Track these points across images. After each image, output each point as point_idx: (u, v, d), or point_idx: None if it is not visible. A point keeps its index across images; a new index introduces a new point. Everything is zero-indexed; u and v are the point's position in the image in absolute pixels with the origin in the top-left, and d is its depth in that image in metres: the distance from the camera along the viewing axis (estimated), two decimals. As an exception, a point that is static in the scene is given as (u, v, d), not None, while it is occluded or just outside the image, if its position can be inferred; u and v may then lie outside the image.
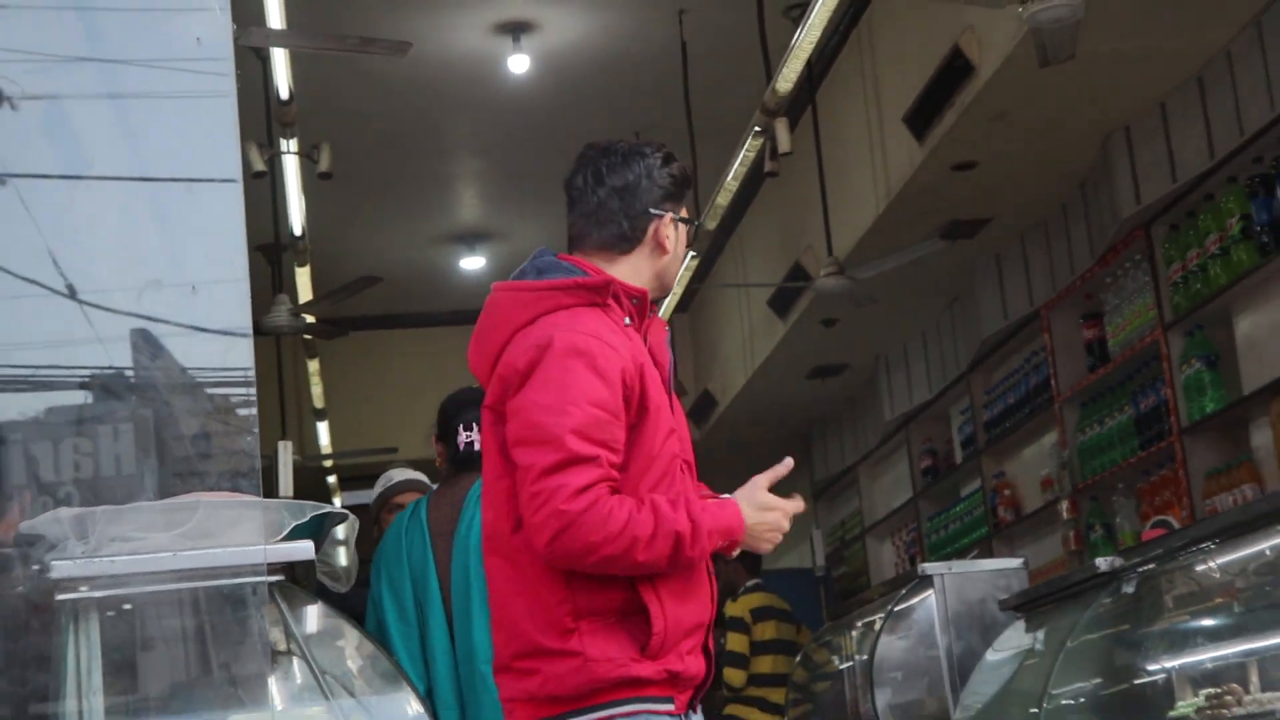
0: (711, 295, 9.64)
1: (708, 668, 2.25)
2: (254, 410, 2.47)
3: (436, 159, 8.13)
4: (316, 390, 8.67)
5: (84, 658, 2.52)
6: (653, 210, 2.24)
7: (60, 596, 2.45)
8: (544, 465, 2.14)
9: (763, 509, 2.24)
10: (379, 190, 8.24)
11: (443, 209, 9.01)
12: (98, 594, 2.47)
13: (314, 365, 8.30)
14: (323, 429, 9.22)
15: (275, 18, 4.66)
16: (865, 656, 5.13)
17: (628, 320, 2.26)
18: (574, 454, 2.13)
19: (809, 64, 5.60)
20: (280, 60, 5.02)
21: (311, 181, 6.15)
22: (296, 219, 6.40)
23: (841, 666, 5.67)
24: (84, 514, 2.44)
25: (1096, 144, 5.71)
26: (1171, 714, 3.71)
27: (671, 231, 2.25)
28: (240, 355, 2.36)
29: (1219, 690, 3.50)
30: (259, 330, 7.33)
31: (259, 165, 5.42)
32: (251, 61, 5.35)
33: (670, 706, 2.18)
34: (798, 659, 6.07)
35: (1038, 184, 6.16)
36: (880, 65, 6.29)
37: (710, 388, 9.65)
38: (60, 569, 2.43)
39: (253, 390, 2.42)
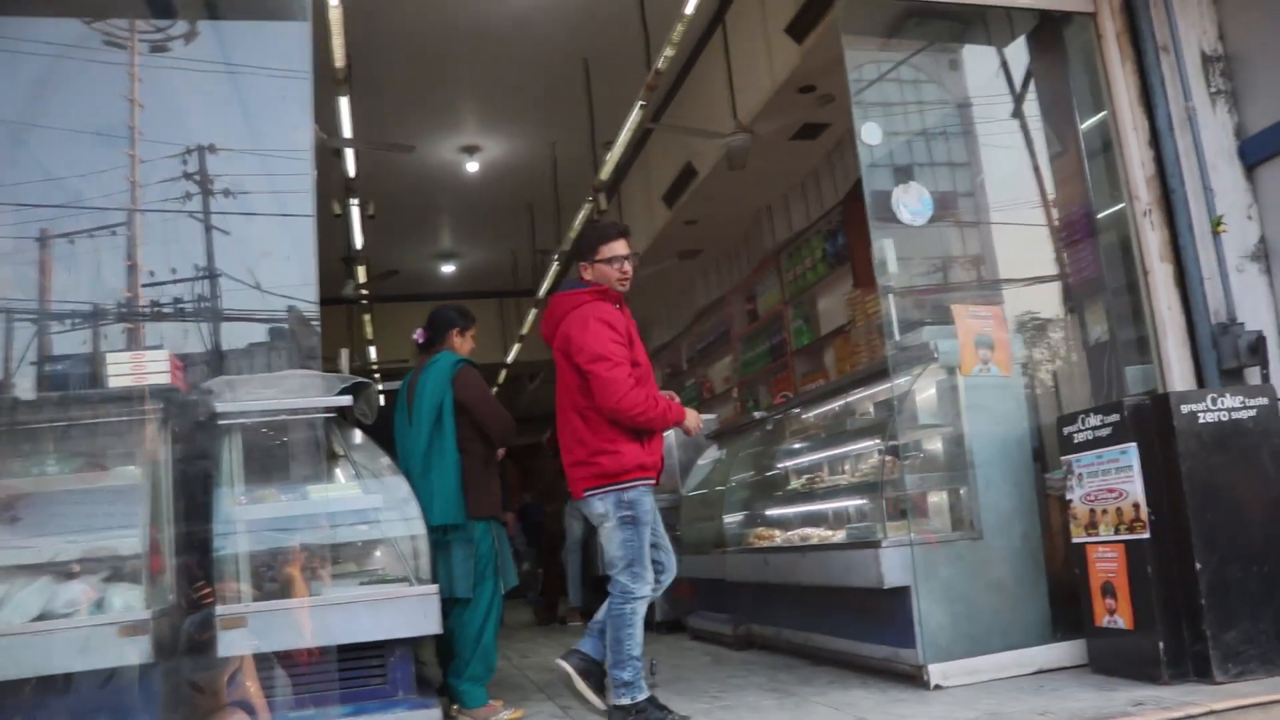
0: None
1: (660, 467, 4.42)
2: (318, 334, 4.92)
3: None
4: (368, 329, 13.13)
5: (232, 455, 4.67)
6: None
7: (221, 421, 4.63)
8: (605, 368, 4.23)
9: (693, 414, 4.58)
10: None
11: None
12: (239, 421, 4.62)
13: (368, 318, 12.84)
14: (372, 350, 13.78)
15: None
16: None
17: (618, 305, 4.47)
18: (617, 360, 4.26)
19: (615, 167, 10.18)
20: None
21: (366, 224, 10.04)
22: (359, 242, 10.22)
23: None
24: (234, 379, 4.80)
25: (753, 213, 10.45)
26: (788, 488, 6.89)
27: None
28: (309, 305, 5.47)
29: (811, 475, 6.73)
30: (338, 300, 11.47)
31: (337, 210, 9.00)
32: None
33: (651, 481, 4.42)
34: None
35: (726, 234, 10.91)
36: (652, 168, 10.88)
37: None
38: (220, 407, 4.66)
39: (318, 323, 4.96)
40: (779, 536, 6.44)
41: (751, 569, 6.52)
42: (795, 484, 6.75)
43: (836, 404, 6.61)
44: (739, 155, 7.87)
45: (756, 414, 7.42)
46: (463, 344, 5.28)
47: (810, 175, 9.38)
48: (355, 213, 9.37)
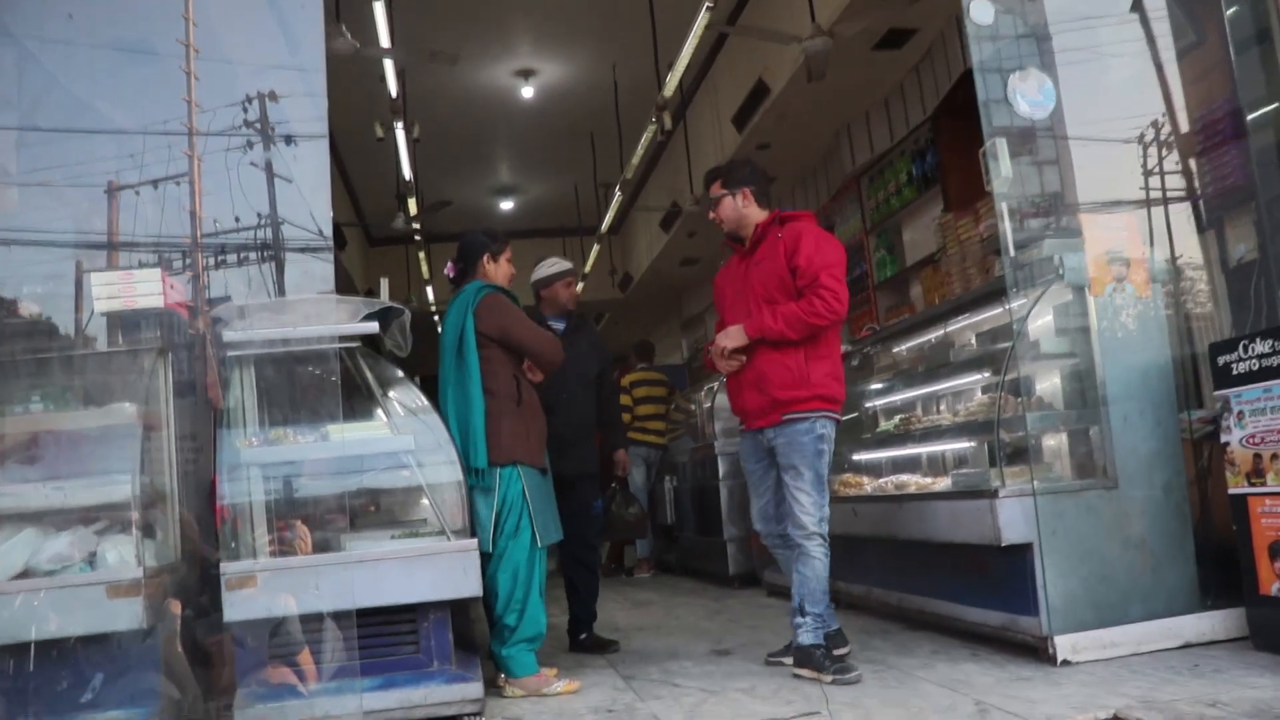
0: (630, 224, 13.88)
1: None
2: (331, 264, 4.52)
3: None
4: (424, 267, 12.59)
5: (243, 391, 4.06)
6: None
7: (230, 353, 3.99)
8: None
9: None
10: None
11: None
12: (250, 352, 4.00)
13: (423, 256, 12.34)
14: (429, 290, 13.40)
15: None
16: (709, 404, 8.14)
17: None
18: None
19: (680, 88, 9.39)
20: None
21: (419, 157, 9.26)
22: (408, 171, 9.44)
23: (696, 409, 8.72)
24: (245, 305, 4.17)
25: (831, 133, 9.50)
26: (877, 431, 6.05)
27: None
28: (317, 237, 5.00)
29: (905, 416, 5.84)
30: (392, 239, 10.99)
31: (379, 133, 8.13)
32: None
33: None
34: (672, 405, 9.21)
35: (801, 158, 10.00)
36: (720, 90, 10.00)
37: (629, 270, 14.11)
38: (228, 336, 4.02)
39: (331, 254, 4.57)
40: (868, 484, 5.67)
41: (837, 520, 5.71)
42: (886, 425, 5.96)
43: (932, 335, 5.79)
44: (819, 62, 7.00)
45: (845, 345, 6.59)
46: (496, 270, 4.59)
47: (895, 90, 8.47)
48: (401, 137, 8.56)
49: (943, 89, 7.73)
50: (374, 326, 4.16)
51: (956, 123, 7.94)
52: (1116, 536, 4.21)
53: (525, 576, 4.25)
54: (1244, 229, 5.34)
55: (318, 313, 4.21)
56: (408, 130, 8.21)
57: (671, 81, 7.85)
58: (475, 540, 3.98)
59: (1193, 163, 5.74)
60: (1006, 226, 4.40)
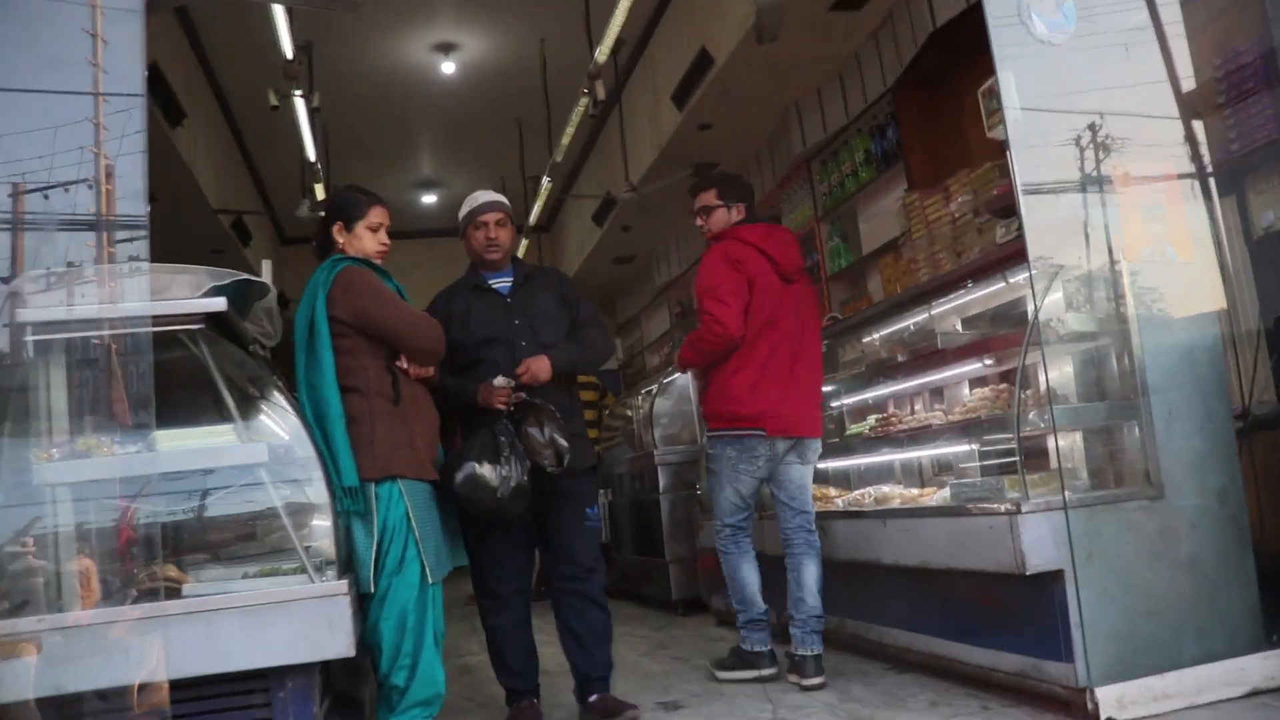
0: (562, 220, 12.96)
1: None
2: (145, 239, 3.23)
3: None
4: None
5: (41, 387, 3.06)
6: None
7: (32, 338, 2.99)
8: None
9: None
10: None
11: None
12: (50, 336, 3.01)
13: None
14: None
15: None
16: (647, 409, 7.38)
17: None
18: None
19: (615, 63, 8.43)
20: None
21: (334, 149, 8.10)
22: (311, 151, 8.25)
23: (633, 415, 7.85)
24: (48, 274, 3.13)
25: (779, 111, 8.42)
26: (846, 434, 5.12)
27: None
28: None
29: (884, 417, 4.88)
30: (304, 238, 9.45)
31: (273, 101, 6.90)
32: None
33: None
34: (605, 411, 8.36)
35: (746, 140, 8.93)
36: (658, 64, 8.92)
37: (560, 270, 12.88)
38: (22, 315, 3.01)
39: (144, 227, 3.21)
40: (838, 497, 4.75)
41: (802, 540, 4.82)
42: (857, 428, 5.04)
43: (910, 321, 4.89)
44: (770, 18, 6.06)
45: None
46: (350, 242, 3.55)
47: (850, 61, 7.58)
48: (300, 107, 7.34)
49: (906, 56, 6.85)
50: (219, 303, 3.13)
51: (920, 93, 7.09)
52: (1165, 558, 3.33)
53: (415, 624, 3.24)
54: (1274, 194, 4.51)
55: (143, 287, 3.17)
56: (307, 98, 7.10)
57: (604, 45, 6.90)
58: (344, 582, 2.97)
59: (1198, 125, 4.92)
60: (1016, 177, 3.49)
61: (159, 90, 7.03)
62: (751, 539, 4.35)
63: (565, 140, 8.48)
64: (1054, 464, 3.42)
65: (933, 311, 4.61)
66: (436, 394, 3.63)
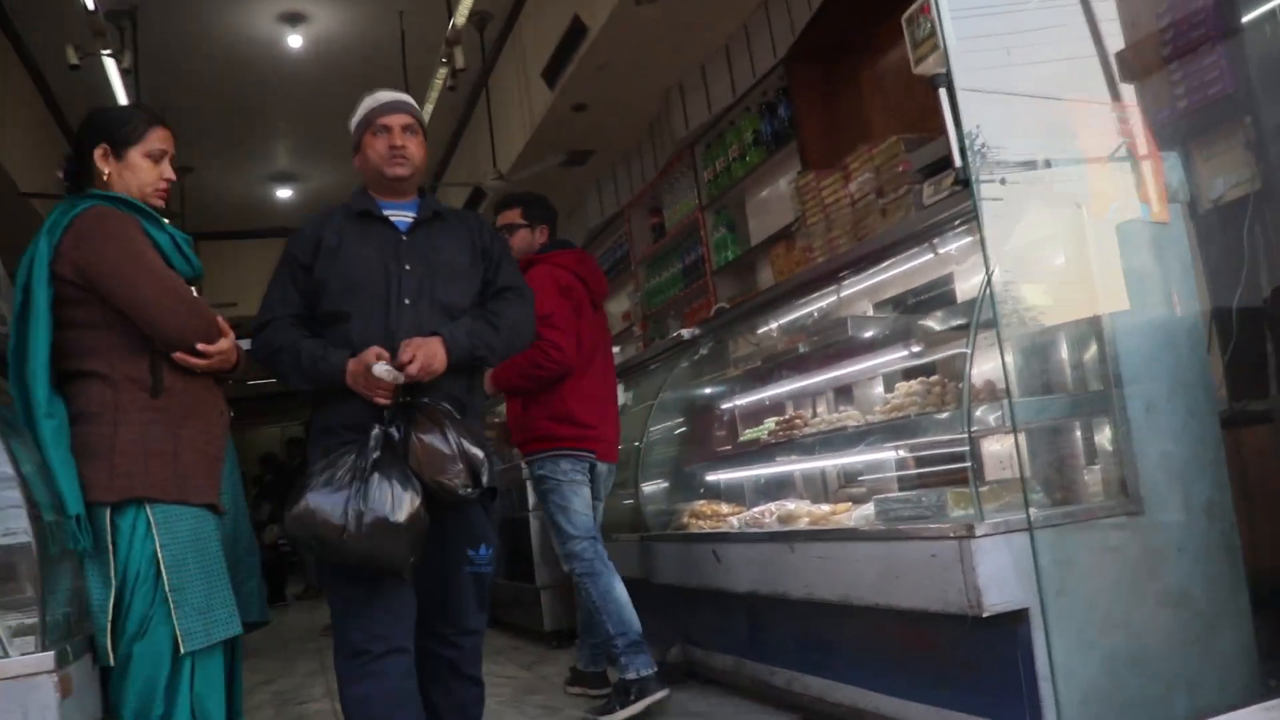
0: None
1: None
2: None
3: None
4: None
5: None
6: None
7: None
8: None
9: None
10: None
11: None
12: None
13: None
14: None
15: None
16: None
17: None
18: None
19: (482, 42, 7.58)
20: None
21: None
22: None
23: (498, 422, 6.06)
24: None
25: (660, 93, 7.58)
26: (740, 440, 4.29)
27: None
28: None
29: (786, 420, 3.96)
30: None
31: (73, 59, 5.87)
32: None
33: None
34: None
35: (625, 126, 8.06)
36: (527, 39, 8.03)
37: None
38: None
39: None
40: (732, 515, 3.98)
41: (689, 567, 4.04)
42: (753, 433, 4.28)
43: (813, 308, 4.16)
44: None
45: (684, 333, 4.90)
46: (122, 172, 2.58)
47: (738, 34, 6.85)
48: (111, 66, 6.26)
49: (799, 24, 6.15)
50: None
51: (814, 65, 6.41)
52: (1149, 589, 2.62)
53: (163, 709, 2.31)
54: (1224, 159, 3.89)
55: None
56: (116, 57, 6.00)
57: (464, 6, 6.03)
58: (47, 656, 2.05)
59: (1127, 88, 4.30)
60: (949, 115, 2.75)
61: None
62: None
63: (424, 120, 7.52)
64: (1010, 472, 2.68)
65: (841, 294, 3.87)
66: (280, 360, 2.68)
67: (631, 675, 3.72)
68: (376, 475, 2.44)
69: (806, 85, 6.41)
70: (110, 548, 2.34)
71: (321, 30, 8.25)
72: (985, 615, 2.47)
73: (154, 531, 2.37)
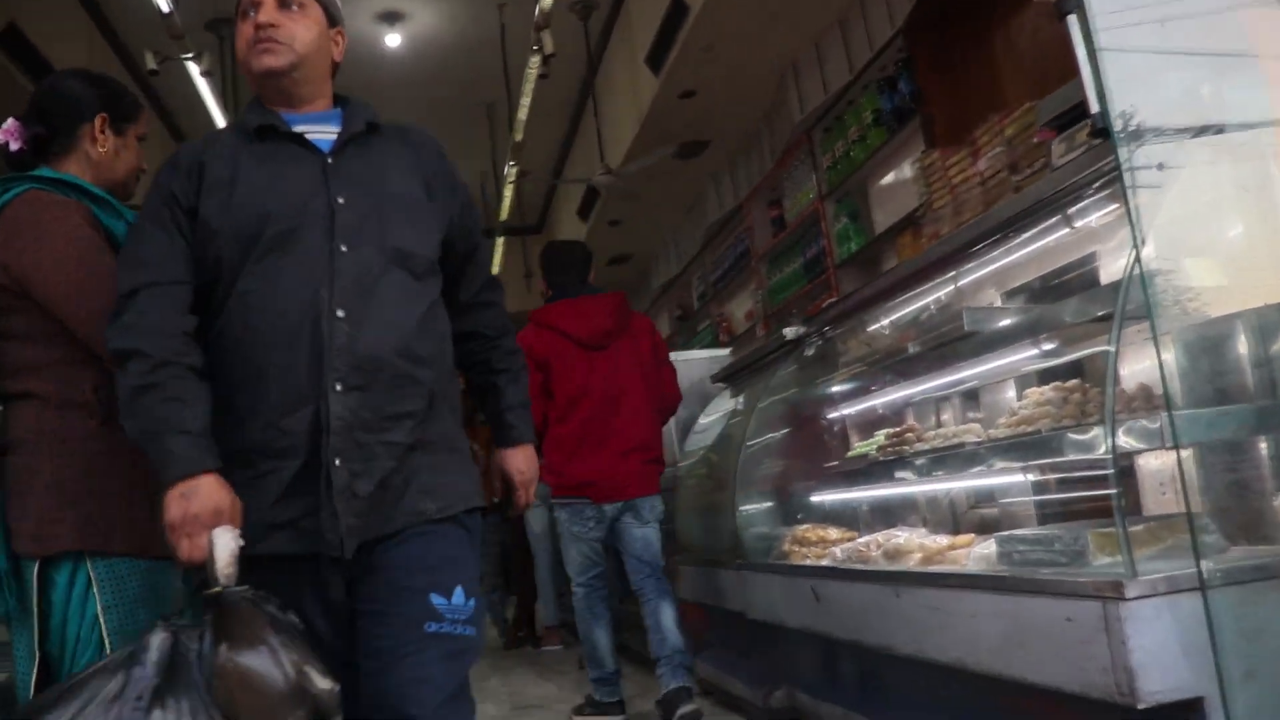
0: (553, 215, 11.64)
1: None
2: None
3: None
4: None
5: None
6: None
7: None
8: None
9: None
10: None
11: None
12: None
13: None
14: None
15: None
16: None
17: None
18: None
19: (586, 31, 7.11)
20: None
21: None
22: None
23: None
24: None
25: (773, 75, 6.92)
26: (849, 455, 3.77)
27: None
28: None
29: (897, 432, 3.43)
30: None
31: (151, 64, 5.66)
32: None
33: None
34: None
35: (737, 111, 7.44)
36: (634, 22, 7.55)
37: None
38: None
39: None
40: (839, 543, 3.36)
41: (788, 604, 3.44)
42: (863, 447, 3.65)
43: (929, 299, 3.50)
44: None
45: (788, 332, 4.28)
46: (119, 152, 2.13)
47: (851, 4, 6.20)
48: (195, 71, 5.93)
49: (919, -15, 5.47)
50: None
51: (937, 33, 5.69)
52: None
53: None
54: None
55: None
56: (197, 59, 5.72)
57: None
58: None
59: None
60: (1081, 46, 2.08)
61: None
62: (605, 600, 4.27)
63: (522, 115, 7.11)
64: (1173, 505, 2.01)
65: (960, 282, 3.22)
66: (136, 387, 1.85)
67: (599, 698, 4.21)
68: (157, 715, 1.56)
69: (929, 54, 5.71)
70: (37, 611, 1.91)
71: (420, 28, 7.94)
72: (1141, 707, 1.82)
73: (94, 591, 1.93)
